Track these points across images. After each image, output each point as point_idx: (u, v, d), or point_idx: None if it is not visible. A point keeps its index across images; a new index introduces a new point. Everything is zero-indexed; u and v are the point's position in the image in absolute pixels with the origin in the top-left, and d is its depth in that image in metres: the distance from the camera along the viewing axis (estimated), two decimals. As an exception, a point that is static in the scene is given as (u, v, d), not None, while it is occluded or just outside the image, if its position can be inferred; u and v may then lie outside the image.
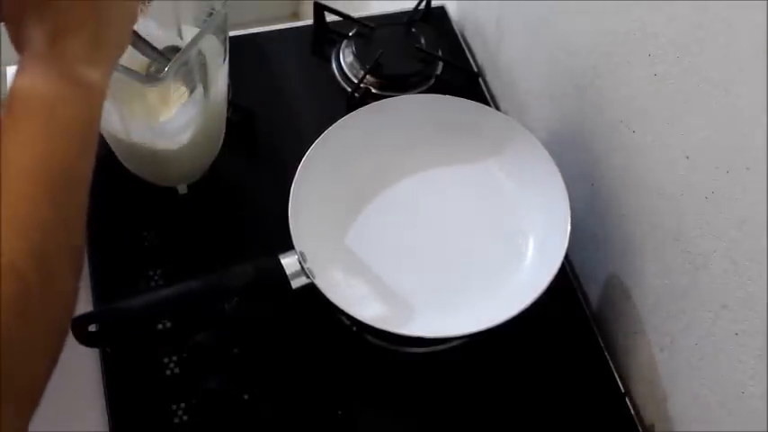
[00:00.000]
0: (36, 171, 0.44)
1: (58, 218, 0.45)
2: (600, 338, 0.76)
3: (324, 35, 0.93)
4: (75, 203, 0.48)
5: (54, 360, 0.47)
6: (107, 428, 0.66)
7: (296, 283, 0.65)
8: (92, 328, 0.61)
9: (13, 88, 0.47)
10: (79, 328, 0.60)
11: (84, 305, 0.71)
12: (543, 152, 0.72)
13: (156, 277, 0.73)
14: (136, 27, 0.55)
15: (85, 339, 0.61)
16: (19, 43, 0.48)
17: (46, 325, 0.45)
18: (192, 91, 0.67)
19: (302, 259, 0.65)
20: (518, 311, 0.63)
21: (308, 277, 0.65)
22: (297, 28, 0.96)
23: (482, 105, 0.77)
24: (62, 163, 0.46)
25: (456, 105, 0.76)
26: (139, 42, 0.59)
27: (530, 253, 0.72)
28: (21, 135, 0.45)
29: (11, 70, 0.88)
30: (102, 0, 0.49)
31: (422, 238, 0.73)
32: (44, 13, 0.47)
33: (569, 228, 0.68)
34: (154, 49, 0.61)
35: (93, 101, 0.49)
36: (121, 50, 0.52)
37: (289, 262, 0.65)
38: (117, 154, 0.75)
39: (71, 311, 0.48)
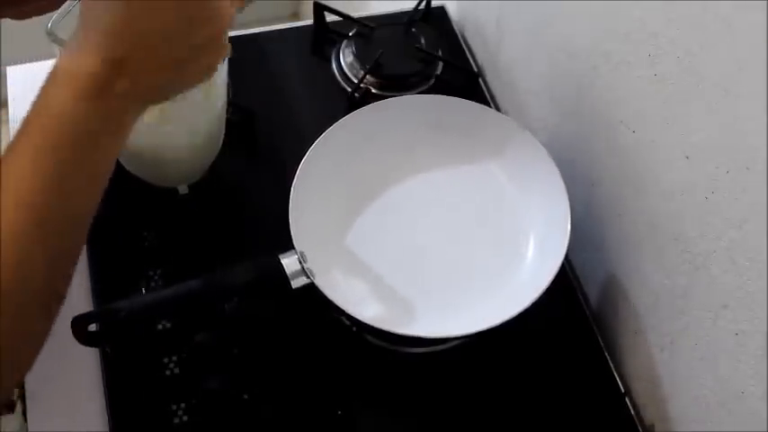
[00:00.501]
0: (27, 206, 0.42)
1: (41, 256, 0.43)
2: (600, 338, 0.76)
3: (324, 35, 0.93)
4: (67, 244, 0.45)
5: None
6: (107, 428, 0.66)
7: (296, 283, 0.65)
8: (92, 327, 0.61)
9: (50, 97, 0.43)
10: (79, 328, 0.60)
11: (84, 305, 0.71)
12: (544, 153, 0.72)
13: (156, 277, 0.73)
14: None
15: (85, 339, 0.61)
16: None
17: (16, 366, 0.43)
18: (192, 92, 0.66)
19: (302, 259, 0.65)
20: (518, 312, 0.63)
21: (307, 277, 0.65)
22: (297, 28, 0.96)
23: (482, 106, 0.77)
24: (67, 202, 0.44)
25: (456, 106, 0.76)
26: None
27: (530, 253, 0.72)
28: (37, 158, 0.42)
29: (11, 70, 0.88)
30: (198, 53, 0.46)
31: (422, 238, 0.73)
32: (134, 32, 0.42)
33: (569, 228, 0.68)
34: None
35: (123, 142, 0.46)
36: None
37: (289, 262, 0.65)
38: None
39: (37, 352, 0.46)
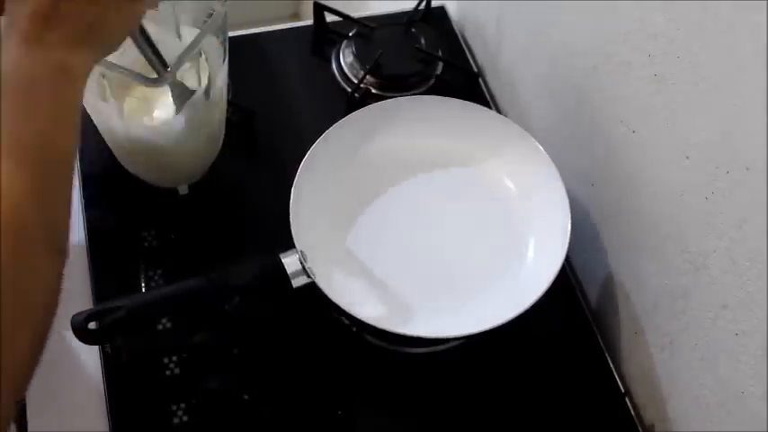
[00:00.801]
0: (7, 145, 0.44)
1: (32, 192, 0.45)
2: (600, 338, 0.76)
3: (324, 35, 0.93)
4: (52, 179, 0.47)
5: (39, 347, 0.45)
6: (107, 428, 0.66)
7: (297, 283, 0.65)
8: (92, 325, 0.61)
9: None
10: (79, 325, 0.60)
11: (85, 305, 0.71)
12: (543, 155, 0.72)
13: (156, 277, 0.73)
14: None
15: (85, 336, 0.61)
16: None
17: (23, 311, 0.43)
18: (192, 91, 0.67)
19: (303, 259, 0.65)
20: (518, 313, 0.63)
21: (308, 276, 0.65)
22: (297, 28, 0.96)
23: (483, 108, 0.77)
24: (37, 140, 0.46)
25: (456, 107, 0.76)
26: (143, 43, 0.58)
27: (530, 254, 0.72)
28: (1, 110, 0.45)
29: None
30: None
31: (423, 238, 0.73)
32: None
33: (569, 230, 0.68)
34: (155, 51, 0.60)
35: (72, 85, 0.49)
36: (114, 47, 0.52)
37: (289, 261, 0.65)
38: (117, 155, 0.75)
39: (55, 301, 0.46)
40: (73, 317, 0.60)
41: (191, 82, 0.66)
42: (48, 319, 0.46)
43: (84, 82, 0.50)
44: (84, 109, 0.69)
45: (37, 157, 0.46)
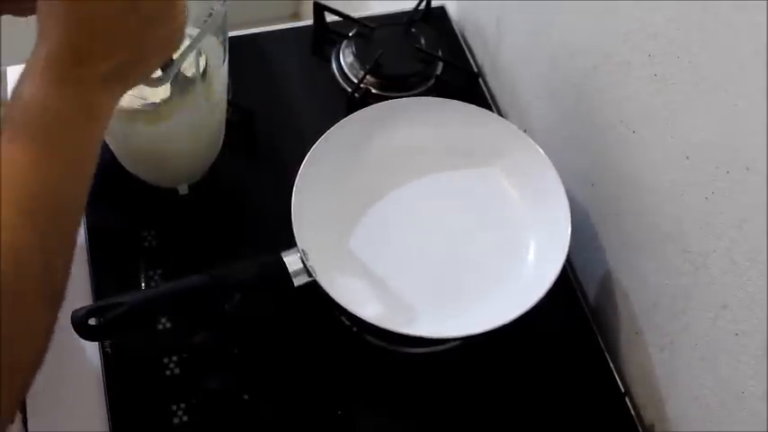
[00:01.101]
0: (15, 193, 0.42)
1: (33, 244, 0.43)
2: (600, 338, 0.76)
3: (324, 35, 0.93)
4: (59, 230, 0.45)
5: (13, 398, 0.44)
6: (107, 428, 0.66)
7: (298, 281, 0.65)
8: (92, 321, 0.61)
9: (22, 90, 0.44)
10: (79, 322, 0.60)
11: (84, 305, 0.71)
12: (544, 158, 0.72)
13: (156, 277, 0.73)
14: None
15: (86, 333, 0.61)
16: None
17: (10, 360, 0.41)
18: (192, 92, 0.67)
19: (304, 257, 0.65)
20: (519, 314, 0.63)
21: (310, 275, 0.65)
22: (297, 28, 0.96)
23: (483, 110, 0.77)
24: (47, 187, 0.44)
25: (457, 108, 0.76)
26: None
27: (531, 255, 0.72)
28: (15, 152, 0.43)
29: (11, 70, 0.88)
30: (149, 30, 0.46)
31: (423, 239, 0.73)
32: (80, 20, 0.43)
33: (570, 233, 0.68)
34: None
35: (97, 125, 0.47)
36: (141, 82, 0.50)
37: (291, 260, 0.65)
38: (117, 155, 0.75)
39: (46, 346, 0.45)
40: (73, 312, 0.60)
41: (192, 84, 0.66)
42: (36, 364, 0.45)
43: (108, 122, 0.47)
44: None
45: (44, 207, 0.44)
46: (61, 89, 0.44)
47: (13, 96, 0.45)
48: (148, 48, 0.47)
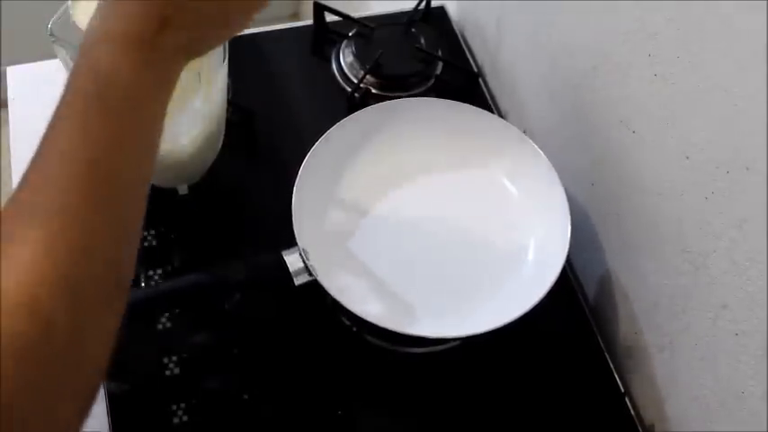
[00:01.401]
0: (84, 174, 0.39)
1: (103, 228, 0.40)
2: (600, 338, 0.76)
3: (324, 35, 0.93)
4: (125, 213, 0.42)
5: (88, 402, 0.41)
6: (107, 428, 0.66)
7: (299, 280, 0.65)
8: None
9: (96, 58, 0.41)
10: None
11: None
12: (543, 159, 0.72)
13: (156, 277, 0.73)
14: None
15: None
16: None
17: (74, 372, 0.39)
18: (191, 92, 0.66)
19: (305, 256, 0.65)
20: (519, 315, 0.63)
21: (310, 274, 0.65)
22: (297, 28, 0.96)
23: (483, 111, 0.77)
24: (117, 167, 0.41)
25: (458, 110, 0.76)
26: None
27: (531, 256, 0.72)
28: (77, 124, 0.40)
29: (11, 70, 0.88)
30: (233, 11, 0.45)
31: (423, 239, 0.73)
32: None
33: (569, 234, 0.68)
34: None
35: (167, 98, 0.44)
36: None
37: (292, 259, 0.65)
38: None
39: (108, 350, 0.42)
40: None
41: (192, 84, 0.66)
42: (99, 381, 0.42)
43: (172, 93, 0.44)
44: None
45: (114, 191, 0.41)
46: (143, 59, 0.41)
47: (80, 65, 0.42)
48: (234, 19, 0.46)
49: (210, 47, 0.47)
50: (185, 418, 0.67)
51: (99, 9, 0.43)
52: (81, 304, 0.38)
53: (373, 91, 0.87)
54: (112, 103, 0.41)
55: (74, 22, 0.65)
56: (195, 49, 0.45)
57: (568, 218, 0.69)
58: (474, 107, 0.76)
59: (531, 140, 0.74)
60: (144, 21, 0.41)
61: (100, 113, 0.40)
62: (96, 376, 0.41)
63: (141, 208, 0.43)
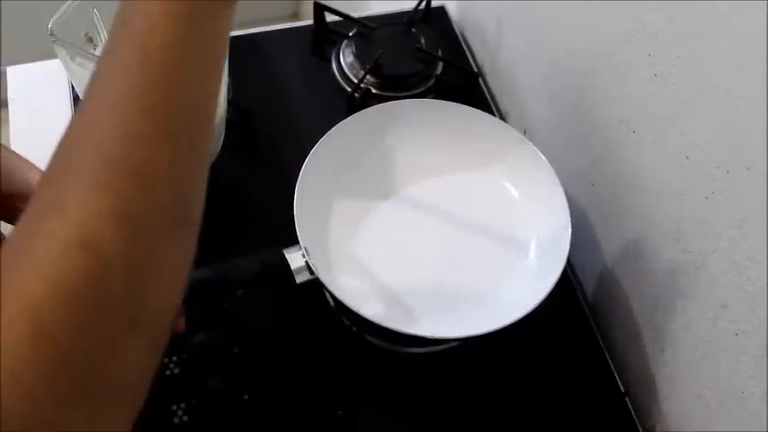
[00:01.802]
0: (145, 95, 0.35)
1: (161, 161, 0.35)
2: (600, 338, 0.76)
3: (324, 35, 0.93)
4: (189, 142, 0.37)
5: (157, 351, 0.37)
6: (107, 428, 0.66)
7: (300, 278, 0.65)
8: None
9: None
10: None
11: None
12: (543, 162, 0.72)
13: (156, 277, 0.73)
14: None
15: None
16: None
17: (132, 310, 0.35)
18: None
19: (306, 254, 0.65)
20: (520, 316, 0.63)
21: (312, 273, 0.65)
22: (297, 28, 0.96)
23: (484, 113, 0.77)
24: (183, 88, 0.36)
25: (458, 111, 0.76)
26: None
27: (531, 257, 0.72)
28: (136, 44, 0.35)
29: (11, 70, 0.88)
30: None
31: (424, 239, 0.73)
32: None
33: (570, 235, 0.68)
34: None
35: (231, 9, 0.40)
36: None
37: (293, 256, 0.65)
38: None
39: (178, 297, 0.38)
40: None
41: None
42: (167, 332, 0.38)
43: (231, 20, 0.40)
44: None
45: (179, 117, 0.36)
46: None
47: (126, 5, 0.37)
48: None
49: None
50: (185, 418, 0.67)
51: None
52: (142, 240, 0.34)
53: (373, 91, 0.87)
54: (175, 8, 0.36)
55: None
56: None
57: (569, 219, 0.69)
58: (474, 109, 0.76)
59: (531, 143, 0.73)
60: None
61: (164, 24, 0.36)
62: (163, 325, 0.37)
63: (207, 137, 0.39)
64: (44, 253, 0.32)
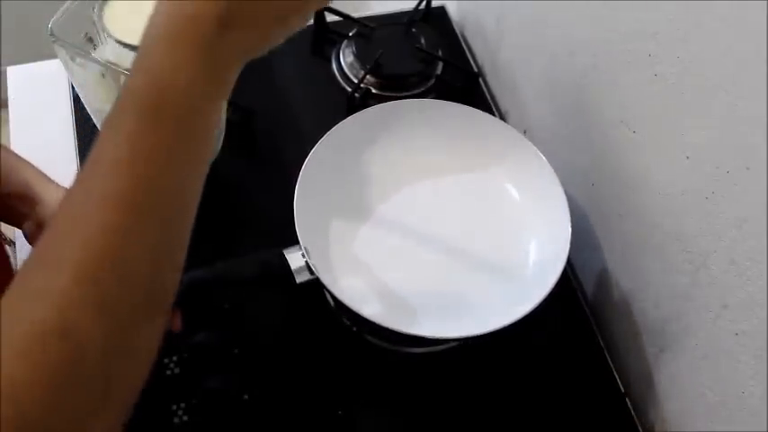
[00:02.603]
0: (128, 191, 0.37)
1: (139, 255, 0.38)
2: (600, 338, 0.76)
3: (324, 35, 0.93)
4: (169, 235, 0.40)
5: (119, 422, 0.40)
6: (107, 428, 0.66)
7: (300, 278, 0.65)
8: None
9: (151, 63, 0.38)
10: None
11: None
12: (543, 162, 0.72)
13: (156, 277, 0.73)
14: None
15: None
16: None
17: (106, 395, 0.38)
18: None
19: (307, 255, 0.65)
20: (520, 316, 0.63)
21: (312, 273, 0.65)
22: (297, 28, 0.96)
23: (484, 113, 0.77)
24: (165, 183, 0.39)
25: (458, 111, 0.76)
26: None
27: (531, 258, 0.72)
28: (126, 135, 0.37)
29: (11, 70, 0.88)
30: (293, 10, 0.43)
31: (424, 239, 0.73)
32: None
33: (570, 235, 0.68)
34: None
35: (221, 108, 0.42)
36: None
37: (293, 257, 0.65)
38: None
39: (146, 371, 0.41)
40: None
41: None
42: (133, 398, 0.41)
43: (227, 97, 0.43)
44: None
45: (168, 208, 0.39)
46: (203, 60, 0.39)
47: (137, 66, 0.39)
48: (293, 19, 0.44)
49: (269, 46, 0.45)
50: (185, 418, 0.67)
51: (157, 8, 0.40)
52: (118, 328, 0.37)
53: (373, 91, 0.87)
54: (169, 108, 0.38)
55: (104, 25, 0.65)
56: (254, 50, 0.44)
57: (569, 220, 0.69)
58: (474, 109, 0.76)
59: (531, 143, 0.74)
60: (204, 22, 0.39)
61: (154, 121, 0.38)
62: (130, 399, 0.40)
63: (187, 228, 0.42)
64: (27, 338, 0.35)
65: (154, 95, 0.38)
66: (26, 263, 0.38)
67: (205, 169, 0.42)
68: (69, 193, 0.39)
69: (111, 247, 0.37)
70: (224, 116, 0.76)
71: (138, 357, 0.40)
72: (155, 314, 0.40)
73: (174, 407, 0.67)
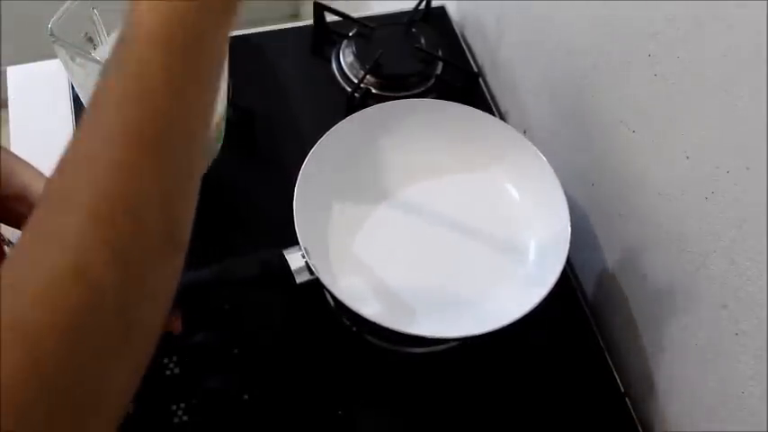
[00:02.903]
0: (137, 125, 0.36)
1: (151, 191, 0.37)
2: (600, 338, 0.76)
3: (324, 35, 0.93)
4: (180, 169, 0.39)
5: (140, 372, 0.39)
6: (107, 428, 0.66)
7: (300, 278, 0.65)
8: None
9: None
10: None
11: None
12: (543, 162, 0.72)
13: (156, 277, 0.73)
14: None
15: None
16: None
17: (122, 334, 0.36)
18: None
19: (306, 255, 0.65)
20: (520, 316, 0.63)
21: (312, 273, 0.65)
22: (297, 28, 0.96)
23: (484, 113, 0.77)
24: (175, 114, 0.37)
25: (458, 111, 0.76)
26: None
27: (531, 258, 0.72)
28: (133, 69, 0.36)
29: (11, 70, 0.88)
30: None
31: (424, 239, 0.73)
32: None
33: (569, 236, 0.68)
34: None
35: (229, 30, 0.41)
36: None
37: (293, 257, 0.65)
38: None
39: (164, 315, 0.40)
40: None
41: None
42: (149, 354, 0.40)
43: (233, 26, 0.41)
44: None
45: (170, 145, 0.37)
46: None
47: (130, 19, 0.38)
48: None
49: None
50: (185, 418, 0.67)
51: None
52: (134, 268, 0.36)
53: (373, 91, 0.87)
54: (178, 37, 0.37)
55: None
56: None
57: (568, 220, 0.69)
58: (474, 109, 0.76)
59: (531, 143, 0.73)
60: None
61: (162, 52, 0.37)
62: (149, 344, 0.39)
63: (199, 160, 0.41)
64: (43, 282, 0.34)
65: (160, 24, 0.37)
66: (37, 206, 0.37)
67: (213, 104, 0.41)
68: (77, 132, 0.38)
69: (122, 184, 0.36)
70: (224, 116, 0.76)
71: (155, 300, 0.39)
72: (170, 253, 0.39)
73: (174, 407, 0.67)
